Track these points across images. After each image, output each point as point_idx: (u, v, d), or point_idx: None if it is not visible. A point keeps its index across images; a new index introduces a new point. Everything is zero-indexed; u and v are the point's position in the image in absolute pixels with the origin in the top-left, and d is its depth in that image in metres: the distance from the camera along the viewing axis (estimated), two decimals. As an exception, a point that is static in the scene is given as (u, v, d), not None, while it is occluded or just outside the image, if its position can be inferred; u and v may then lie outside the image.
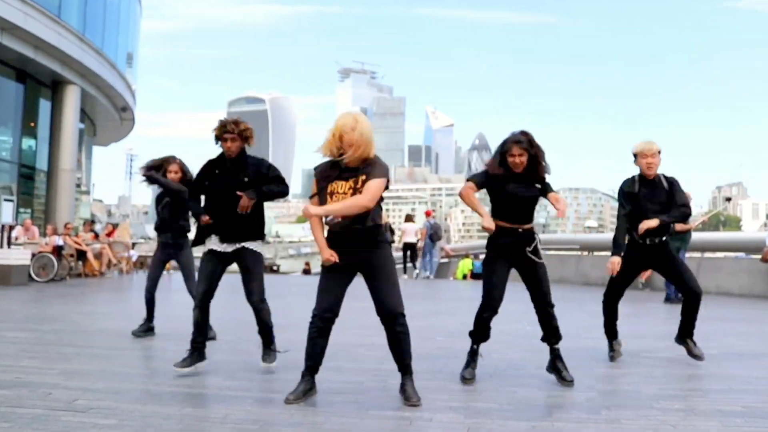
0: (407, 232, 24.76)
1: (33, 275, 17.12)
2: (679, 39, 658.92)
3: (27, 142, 26.03)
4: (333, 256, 5.11)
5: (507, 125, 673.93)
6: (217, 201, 6.17)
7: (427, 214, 26.08)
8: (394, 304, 5.17)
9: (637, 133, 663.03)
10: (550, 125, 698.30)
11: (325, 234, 5.23)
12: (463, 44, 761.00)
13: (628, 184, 7.04)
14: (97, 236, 21.75)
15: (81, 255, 20.05)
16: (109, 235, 22.43)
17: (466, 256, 26.88)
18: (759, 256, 16.75)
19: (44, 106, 26.17)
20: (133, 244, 26.05)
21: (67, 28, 23.73)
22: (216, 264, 6.20)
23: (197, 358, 6.10)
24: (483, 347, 6.27)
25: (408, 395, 5.15)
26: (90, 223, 23.89)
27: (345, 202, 5.01)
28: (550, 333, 5.96)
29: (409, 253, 24.69)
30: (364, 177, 5.10)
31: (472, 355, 6.16)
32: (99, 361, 6.70)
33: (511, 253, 5.91)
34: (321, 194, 5.18)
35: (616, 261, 6.99)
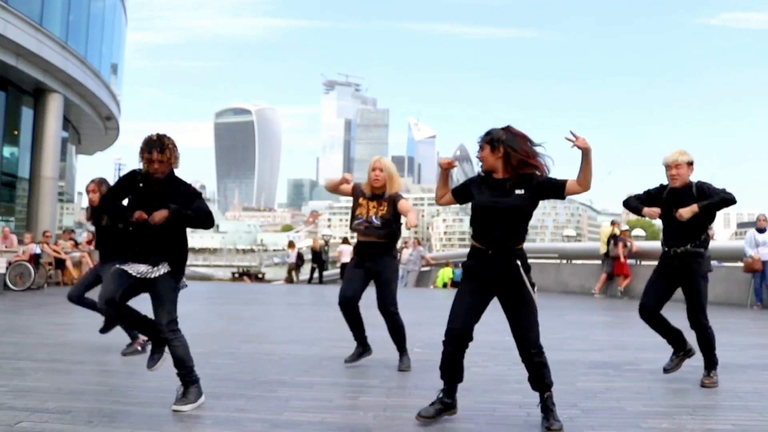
0: (344, 253, 26.56)
1: (9, 284, 16.56)
2: (655, 54, 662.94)
3: (9, 150, 25.40)
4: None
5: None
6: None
7: None
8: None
9: (615, 144, 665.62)
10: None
11: None
12: (446, 57, 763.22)
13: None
14: (76, 244, 21.19)
15: (60, 263, 19.49)
16: (89, 243, 21.83)
17: (446, 264, 26.47)
18: (730, 264, 16.54)
19: (26, 114, 25.55)
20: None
21: (49, 36, 23.14)
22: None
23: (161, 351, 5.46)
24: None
25: None
26: (70, 231, 23.26)
27: None
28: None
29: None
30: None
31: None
32: (55, 377, 6.14)
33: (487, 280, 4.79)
34: None
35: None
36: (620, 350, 8.48)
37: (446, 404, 4.76)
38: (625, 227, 19.49)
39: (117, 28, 32.92)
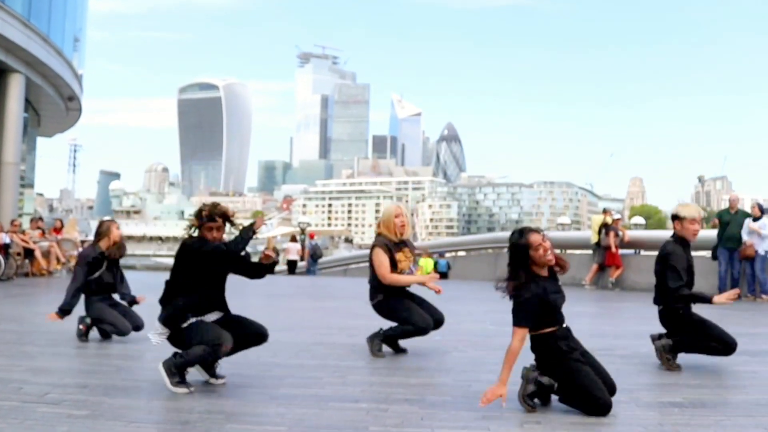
0: (290, 251, 31.31)
1: (-22, 275, 17.41)
2: (661, 25, 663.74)
3: (-33, 134, 26.12)
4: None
5: (478, 114, 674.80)
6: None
7: (311, 236, 35.44)
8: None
9: (617, 122, 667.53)
10: (524, 114, 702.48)
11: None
12: (432, 28, 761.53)
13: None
14: (44, 233, 22.02)
15: (28, 253, 20.37)
16: (57, 232, 22.72)
17: (428, 255, 27.44)
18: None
19: (-14, 96, 26.26)
20: (82, 242, 26.17)
21: (11, 14, 23.77)
22: None
23: None
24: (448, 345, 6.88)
25: None
26: (37, 219, 24.10)
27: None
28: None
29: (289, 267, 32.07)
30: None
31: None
32: (62, 359, 7.36)
33: None
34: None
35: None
36: (598, 337, 9.57)
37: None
38: (617, 216, 20.28)
39: (80, 0, 33.61)
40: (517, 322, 5.44)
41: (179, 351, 5.95)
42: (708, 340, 7.12)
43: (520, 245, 5.57)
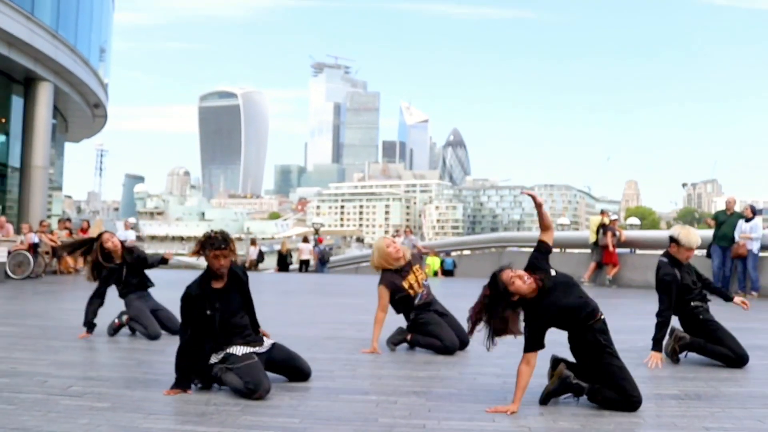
0: (303, 251, 31.41)
1: (9, 273, 17.46)
2: (654, 34, 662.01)
3: (-1, 139, 26.29)
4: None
5: (482, 121, 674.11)
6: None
7: (319, 241, 35.14)
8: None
9: (614, 127, 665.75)
10: (525, 120, 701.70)
11: None
12: (439, 39, 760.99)
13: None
14: (71, 233, 22.05)
15: (56, 252, 20.27)
16: (83, 232, 22.70)
17: (435, 254, 27.34)
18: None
19: (17, 103, 26.38)
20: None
21: (40, 25, 23.92)
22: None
23: None
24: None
25: None
26: (65, 220, 24.13)
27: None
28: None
29: (303, 266, 31.91)
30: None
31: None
32: (85, 353, 7.33)
33: None
34: None
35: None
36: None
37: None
38: (614, 217, 20.33)
39: (105, 12, 33.83)
40: (524, 347, 5.31)
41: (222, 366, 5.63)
42: (721, 345, 7.05)
43: (500, 294, 5.33)
